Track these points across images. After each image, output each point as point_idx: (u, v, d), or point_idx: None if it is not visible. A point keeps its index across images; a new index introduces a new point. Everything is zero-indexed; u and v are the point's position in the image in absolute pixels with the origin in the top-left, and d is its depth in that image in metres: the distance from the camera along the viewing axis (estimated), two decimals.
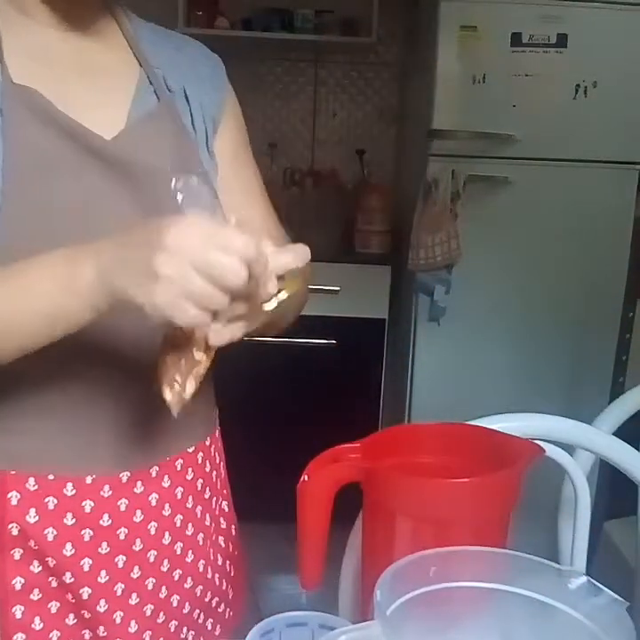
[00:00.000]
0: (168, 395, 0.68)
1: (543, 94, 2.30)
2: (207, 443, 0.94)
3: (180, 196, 0.67)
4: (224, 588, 0.96)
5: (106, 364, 0.81)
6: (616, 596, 0.59)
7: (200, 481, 0.92)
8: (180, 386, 0.68)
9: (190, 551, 0.90)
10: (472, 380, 2.44)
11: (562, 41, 2.27)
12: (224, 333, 0.65)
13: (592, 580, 0.61)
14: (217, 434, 0.98)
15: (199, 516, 0.91)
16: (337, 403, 2.62)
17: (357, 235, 2.75)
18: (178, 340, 0.69)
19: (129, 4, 0.91)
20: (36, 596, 0.81)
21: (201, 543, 0.92)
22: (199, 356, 0.68)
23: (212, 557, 0.94)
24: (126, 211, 0.80)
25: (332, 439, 0.81)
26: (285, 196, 3.00)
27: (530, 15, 2.26)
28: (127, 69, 0.88)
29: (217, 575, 0.94)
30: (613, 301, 2.21)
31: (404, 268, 2.55)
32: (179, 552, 0.89)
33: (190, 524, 0.90)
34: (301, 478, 0.76)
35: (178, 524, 0.88)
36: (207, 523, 0.93)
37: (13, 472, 0.79)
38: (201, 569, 0.91)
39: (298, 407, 2.64)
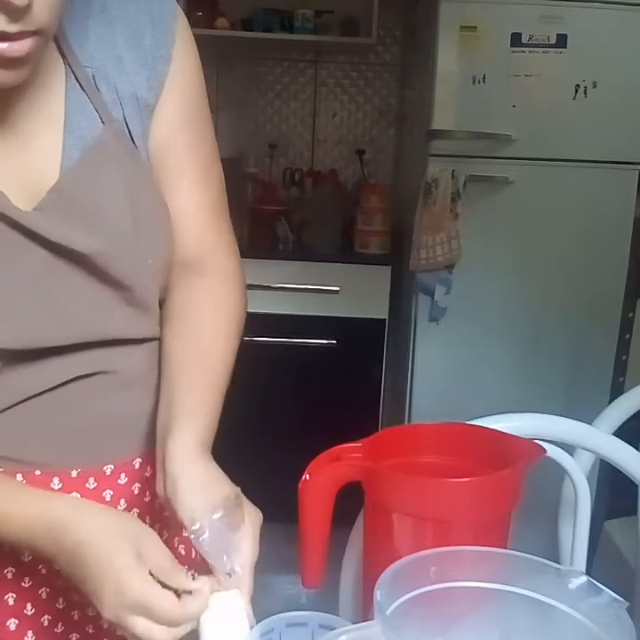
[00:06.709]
0: None
1: (543, 94, 2.30)
2: None
3: (202, 540, 0.68)
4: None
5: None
6: (616, 595, 0.59)
7: None
8: None
9: (165, 531, 0.91)
10: (472, 380, 2.44)
11: (562, 41, 2.27)
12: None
13: (592, 580, 0.61)
14: None
15: None
16: (337, 403, 2.62)
17: (357, 235, 2.76)
18: None
19: None
20: (26, 583, 0.82)
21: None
22: None
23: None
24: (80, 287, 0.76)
25: (332, 439, 0.81)
26: (285, 196, 3.00)
27: (530, 15, 2.26)
28: (51, 83, 0.75)
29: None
30: (613, 301, 2.21)
31: (404, 268, 2.55)
32: (157, 532, 0.90)
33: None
34: (302, 477, 0.76)
35: (157, 508, 0.89)
36: None
37: (1, 469, 0.79)
38: (182, 551, 0.92)
39: (298, 407, 2.64)
